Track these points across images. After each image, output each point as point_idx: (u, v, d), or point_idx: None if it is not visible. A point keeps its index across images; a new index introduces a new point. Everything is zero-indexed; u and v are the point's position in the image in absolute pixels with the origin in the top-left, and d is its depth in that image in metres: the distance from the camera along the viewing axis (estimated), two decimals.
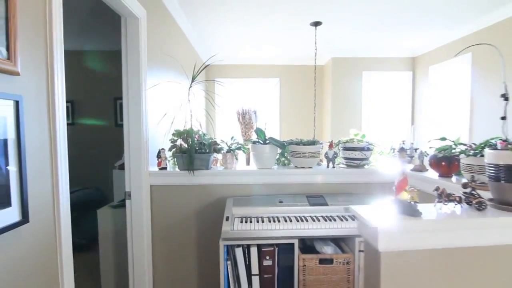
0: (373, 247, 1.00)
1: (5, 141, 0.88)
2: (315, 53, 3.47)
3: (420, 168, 2.07)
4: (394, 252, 0.98)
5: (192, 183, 2.14)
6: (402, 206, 1.03)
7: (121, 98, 3.93)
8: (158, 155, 2.15)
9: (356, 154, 2.20)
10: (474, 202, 1.05)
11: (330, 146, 2.25)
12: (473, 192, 1.07)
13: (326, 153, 2.26)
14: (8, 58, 0.89)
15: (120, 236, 2.33)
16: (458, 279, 1.00)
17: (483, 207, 1.04)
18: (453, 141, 1.68)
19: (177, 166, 2.17)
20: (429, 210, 1.06)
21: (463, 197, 1.09)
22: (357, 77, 4.71)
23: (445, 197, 1.09)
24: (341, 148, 2.27)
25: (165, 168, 2.17)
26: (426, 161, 1.99)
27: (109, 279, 2.36)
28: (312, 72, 4.38)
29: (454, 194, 1.08)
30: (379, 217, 1.00)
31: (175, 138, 2.15)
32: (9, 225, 0.89)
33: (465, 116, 3.64)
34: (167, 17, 2.73)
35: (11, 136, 0.90)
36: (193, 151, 2.08)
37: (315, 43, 3.41)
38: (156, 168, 2.16)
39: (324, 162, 2.34)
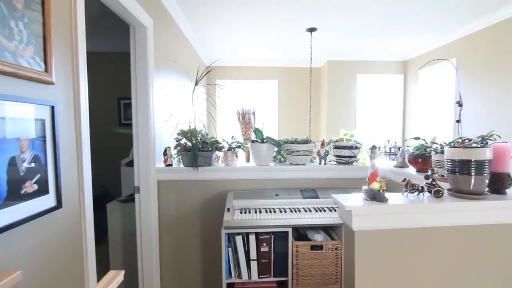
0: (349, 227, 1.20)
1: (44, 140, 1.08)
2: (311, 57, 3.67)
3: (402, 165, 2.26)
4: (365, 231, 1.18)
5: (196, 178, 2.34)
6: (372, 193, 1.22)
7: (124, 98, 4.15)
8: (165, 153, 2.35)
9: (345, 152, 2.39)
10: (433, 190, 1.24)
11: (322, 144, 2.44)
12: (433, 182, 1.26)
13: (319, 151, 2.45)
14: (46, 70, 1.09)
15: (128, 228, 2.53)
16: (417, 254, 1.20)
17: (440, 194, 1.23)
18: (424, 140, 1.87)
19: (182, 163, 2.37)
20: (396, 197, 1.25)
21: (425, 187, 1.28)
22: (352, 79, 4.90)
23: (410, 187, 1.28)
24: (332, 147, 2.46)
25: (170, 165, 2.37)
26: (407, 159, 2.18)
27: (119, 267, 2.57)
28: (309, 74, 4.57)
29: (418, 184, 1.27)
30: (354, 202, 1.19)
31: (180, 137, 2.35)
32: (48, 209, 1.09)
33: (450, 116, 3.82)
34: (171, 24, 2.92)
35: (48, 135, 1.10)
36: (196, 149, 2.27)
37: (311, 48, 3.60)
38: (162, 165, 2.36)
39: (317, 160, 2.53)
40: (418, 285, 1.20)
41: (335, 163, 2.47)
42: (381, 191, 1.21)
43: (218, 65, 4.98)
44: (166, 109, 2.64)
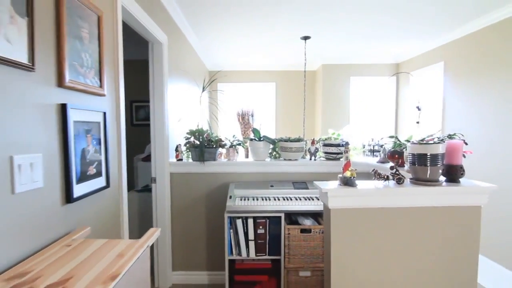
0: (326, 206, 1.58)
1: (99, 137, 1.45)
2: (305, 63, 4.04)
3: (383, 160, 2.64)
4: (338, 209, 1.56)
5: (203, 171, 2.71)
6: (345, 180, 1.60)
7: (135, 101, 4.50)
8: (176, 149, 2.72)
9: (332, 149, 2.78)
10: (396, 178, 1.62)
11: (312, 143, 2.82)
12: (397, 172, 1.64)
13: (309, 148, 2.83)
14: (100, 86, 1.46)
15: (144, 214, 2.91)
16: (380, 229, 1.57)
17: (401, 181, 1.61)
18: (397, 138, 2.25)
19: (190, 158, 2.74)
20: (365, 184, 1.63)
21: (390, 175, 1.66)
22: (345, 82, 5.28)
23: (377, 176, 1.66)
24: (321, 144, 2.84)
25: (181, 160, 2.74)
26: None
27: None
28: (310, 77, 4.94)
29: (384, 174, 1.65)
30: (330, 186, 1.57)
31: (189, 136, 2.72)
32: (101, 187, 1.46)
33: (438, 117, 4.21)
34: (180, 36, 3.29)
35: (101, 134, 1.47)
36: (203, 146, 2.65)
37: (305, 54, 3.98)
38: (174, 160, 2.73)
39: (308, 156, 2.91)
40: (381, 254, 1.58)
41: (324, 159, 2.85)
42: (352, 178, 1.59)
43: (220, 69, 5.34)
44: (177, 111, 3.01)
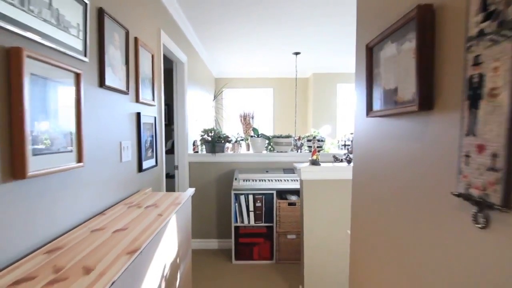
0: (301, 178, 2.38)
1: (152, 134, 2.26)
2: (296, 75, 4.84)
3: (351, 151, 3.44)
4: (308, 180, 2.36)
5: (214, 160, 3.52)
6: (313, 161, 2.40)
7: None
8: (193, 144, 3.53)
9: (320, 145, 3.58)
10: (346, 160, 2.42)
11: (298, 139, 3.62)
12: (348, 156, 2.44)
13: (296, 143, 3.64)
14: (153, 99, 2.27)
15: None
16: (335, 195, 2.37)
17: (350, 162, 2.40)
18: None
19: (204, 150, 3.55)
20: (327, 164, 2.43)
21: (344, 159, 2.46)
22: (333, 88, 6.07)
23: (335, 159, 2.46)
24: (306, 140, 3.65)
25: (197, 152, 3.55)
26: None
27: None
28: (298, 84, 5.73)
29: (340, 157, 2.45)
30: (303, 165, 2.38)
31: (203, 133, 3.53)
32: (153, 165, 2.27)
33: None
34: (195, 54, 4.10)
35: (153, 131, 2.28)
36: (214, 142, 3.46)
37: (296, 67, 4.78)
38: (192, 152, 3.54)
39: (295, 149, 3.71)
40: (335, 215, 2.37)
41: (307, 151, 3.65)
42: (317, 159, 2.39)
43: (225, 77, 6.15)
44: (193, 113, 3.82)
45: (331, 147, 3.84)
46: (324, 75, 6.02)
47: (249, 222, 3.23)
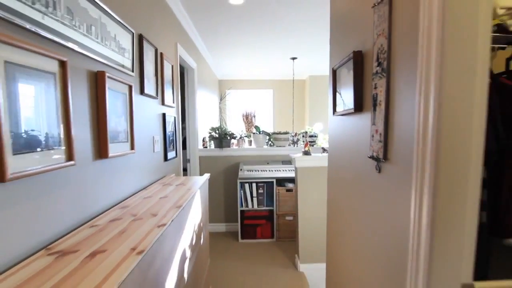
0: (295, 166, 2.89)
1: (173, 130, 2.76)
2: (293, 78, 5.33)
3: None
4: (301, 167, 2.87)
5: (221, 154, 4.03)
6: (305, 151, 2.91)
7: None
8: (203, 140, 4.03)
9: (308, 139, 4.08)
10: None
11: (295, 135, 4.13)
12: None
13: (293, 138, 4.14)
14: (173, 102, 2.78)
15: None
16: (323, 179, 2.87)
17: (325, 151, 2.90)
18: None
19: (213, 145, 4.06)
20: (317, 154, 2.93)
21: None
22: (327, 89, 6.56)
23: (323, 149, 2.97)
24: (301, 136, 4.15)
25: (206, 147, 4.05)
26: None
27: None
28: (296, 85, 6.22)
29: (327, 149, 2.95)
30: (297, 155, 2.88)
31: (211, 131, 4.03)
32: (174, 156, 2.77)
33: None
34: (202, 60, 4.60)
35: (174, 128, 2.79)
36: (221, 138, 3.96)
37: (293, 71, 5.27)
38: (201, 147, 4.04)
39: (292, 143, 4.21)
40: (323, 192, 2.87)
41: (308, 148, 4.14)
42: (308, 150, 2.90)
43: (228, 79, 6.65)
44: (202, 112, 4.32)
45: (323, 142, 4.35)
46: (319, 77, 6.52)
47: (252, 206, 3.74)
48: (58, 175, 1.11)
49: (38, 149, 0.98)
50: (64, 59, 1.11)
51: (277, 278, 2.88)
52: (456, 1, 0.75)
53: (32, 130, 0.96)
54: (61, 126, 1.12)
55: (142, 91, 2.01)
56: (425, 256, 0.83)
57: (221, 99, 3.91)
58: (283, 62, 5.47)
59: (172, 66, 2.76)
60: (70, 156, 1.15)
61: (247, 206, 3.74)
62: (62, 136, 1.12)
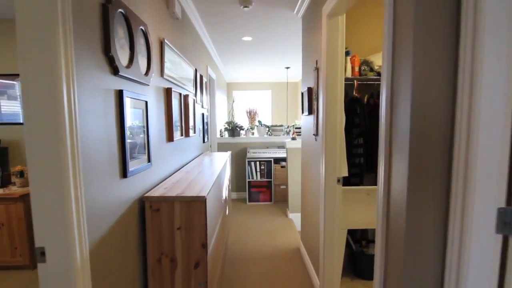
0: (286, 147, 4.35)
1: (206, 124, 4.23)
2: (287, 83, 6.75)
3: None
4: (291, 148, 4.34)
5: (233, 142, 5.49)
6: (292, 138, 4.37)
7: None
8: (220, 131, 5.49)
9: (298, 130, 5.54)
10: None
11: (288, 127, 5.59)
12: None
13: (286, 129, 5.60)
14: (207, 105, 4.23)
15: None
16: (300, 156, 4.33)
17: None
18: None
19: (227, 135, 5.52)
20: (300, 140, 4.39)
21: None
22: None
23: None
24: (292, 127, 5.61)
25: (222, 136, 5.51)
26: None
27: None
28: (290, 87, 7.64)
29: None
30: (287, 141, 4.35)
31: (225, 125, 5.49)
32: (206, 140, 4.24)
33: None
34: (217, 70, 6.03)
35: (206, 123, 4.25)
36: (233, 129, 5.42)
37: (287, 78, 6.69)
38: (219, 136, 5.51)
39: (285, 133, 5.68)
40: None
41: (294, 135, 5.61)
42: (294, 137, 4.36)
43: (234, 81, 8.08)
44: (218, 109, 5.78)
45: None
46: None
47: (256, 178, 5.21)
48: (174, 143, 2.58)
49: (178, 133, 2.45)
50: (169, 86, 2.57)
51: (274, 222, 4.36)
52: (329, 75, 2.20)
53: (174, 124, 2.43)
54: (189, 121, 2.59)
55: (196, 101, 3.46)
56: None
57: (233, 101, 5.35)
58: (279, 70, 6.90)
59: (206, 83, 4.21)
60: (178, 135, 2.62)
61: (252, 178, 5.22)
62: (182, 124, 2.58)
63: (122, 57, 1.43)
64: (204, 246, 1.67)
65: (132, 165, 1.53)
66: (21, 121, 3.40)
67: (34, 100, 0.95)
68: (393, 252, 1.20)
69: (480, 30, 0.96)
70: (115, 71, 1.35)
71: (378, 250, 1.31)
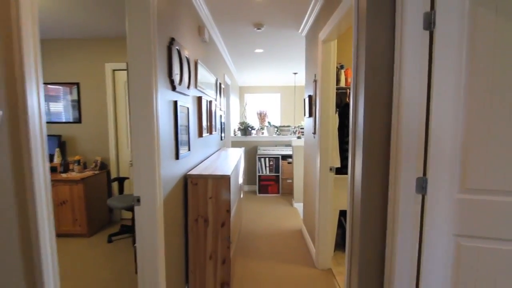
0: (292, 145, 5.00)
1: (224, 124, 4.90)
2: (294, 87, 7.37)
3: None
4: (295, 146, 4.98)
5: (246, 140, 6.16)
6: (298, 137, 5.01)
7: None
8: (234, 131, 6.17)
9: (303, 130, 6.16)
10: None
11: (294, 127, 6.23)
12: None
13: (293, 130, 6.24)
14: (225, 109, 4.91)
15: None
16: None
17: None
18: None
19: (240, 134, 6.19)
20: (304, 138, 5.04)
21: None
22: None
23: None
24: (299, 128, 6.24)
25: (236, 135, 6.18)
26: None
27: None
28: (298, 91, 8.27)
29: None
30: (294, 139, 4.99)
31: (239, 125, 6.16)
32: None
33: None
34: (231, 75, 6.70)
35: (224, 123, 4.92)
36: (246, 129, 6.09)
37: (294, 83, 7.32)
38: (233, 135, 6.18)
39: (292, 133, 6.32)
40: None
41: (300, 134, 6.25)
42: (299, 136, 4.99)
43: (246, 85, 8.75)
44: (232, 111, 6.46)
45: None
46: None
47: (266, 173, 5.87)
48: (203, 139, 3.26)
49: (205, 132, 3.13)
50: (200, 95, 3.25)
51: (280, 210, 5.00)
52: (324, 87, 2.84)
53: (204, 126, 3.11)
54: (208, 121, 3.27)
55: (217, 106, 4.14)
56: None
57: (246, 104, 6.01)
58: (288, 75, 7.54)
59: (224, 89, 4.89)
60: (205, 132, 3.30)
61: (262, 172, 5.87)
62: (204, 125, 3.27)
63: (176, 78, 2.10)
64: (228, 211, 2.33)
65: (181, 151, 2.21)
66: (71, 120, 4.13)
67: (138, 107, 1.63)
68: (355, 215, 1.83)
69: (404, 62, 1.60)
70: (173, 88, 2.03)
71: (348, 217, 1.94)
